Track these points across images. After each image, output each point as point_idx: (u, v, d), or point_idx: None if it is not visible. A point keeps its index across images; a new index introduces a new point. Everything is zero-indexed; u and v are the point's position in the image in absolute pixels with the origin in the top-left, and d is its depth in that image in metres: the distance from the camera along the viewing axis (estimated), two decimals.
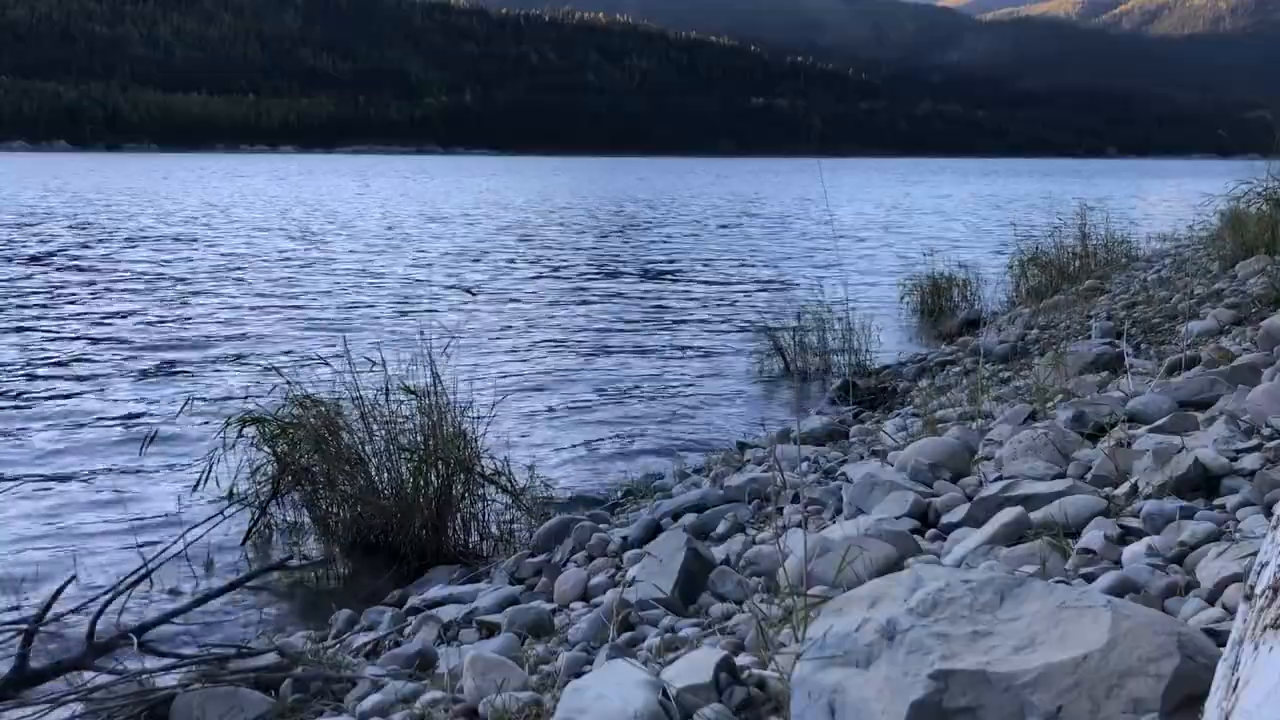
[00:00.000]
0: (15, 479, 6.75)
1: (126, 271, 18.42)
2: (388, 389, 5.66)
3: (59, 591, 3.97)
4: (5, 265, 19.06)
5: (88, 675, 3.59)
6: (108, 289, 16.04)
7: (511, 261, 21.08)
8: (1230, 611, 2.26)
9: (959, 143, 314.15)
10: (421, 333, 6.10)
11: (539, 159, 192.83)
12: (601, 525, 5.02)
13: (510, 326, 12.93)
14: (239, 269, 19.00)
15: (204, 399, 8.42)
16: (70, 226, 28.64)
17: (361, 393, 5.67)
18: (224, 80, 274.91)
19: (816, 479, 4.82)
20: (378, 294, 15.79)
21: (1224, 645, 1.50)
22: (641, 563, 3.90)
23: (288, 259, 20.92)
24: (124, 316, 13.42)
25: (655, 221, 34.25)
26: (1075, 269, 12.51)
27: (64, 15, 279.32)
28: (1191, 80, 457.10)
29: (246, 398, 5.98)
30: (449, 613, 4.14)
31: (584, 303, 15.27)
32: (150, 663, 3.66)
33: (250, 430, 5.71)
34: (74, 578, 4.26)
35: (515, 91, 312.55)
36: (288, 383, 5.78)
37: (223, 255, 21.53)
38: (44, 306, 14.20)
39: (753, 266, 20.33)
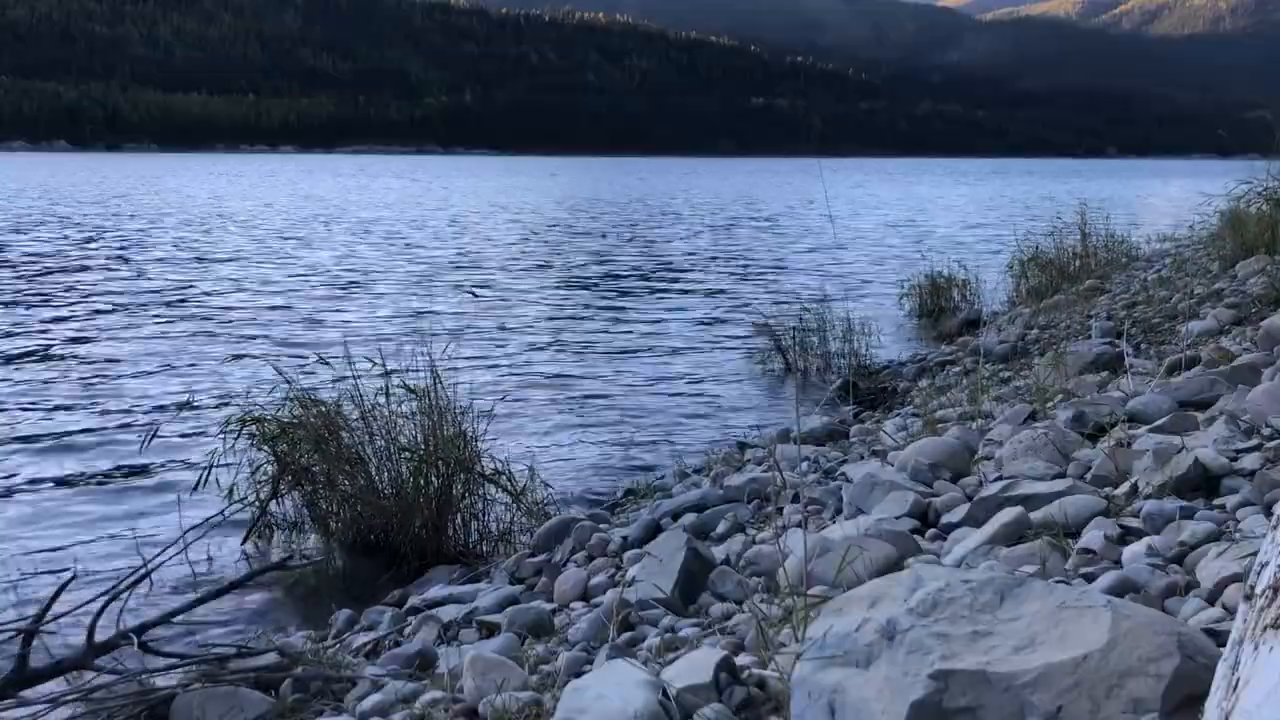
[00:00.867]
0: (15, 479, 6.75)
1: (126, 271, 18.42)
2: (388, 389, 5.66)
3: (59, 591, 3.96)
4: (5, 266, 19.06)
5: (88, 675, 3.58)
6: (107, 289, 16.04)
7: (512, 262, 21.08)
8: (1230, 611, 2.26)
9: (959, 143, 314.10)
10: (422, 333, 6.10)
11: (539, 159, 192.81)
12: (601, 525, 5.02)
13: (510, 327, 12.93)
14: (239, 269, 19.00)
15: (204, 399, 8.42)
16: (69, 227, 28.64)
17: (361, 393, 5.67)
18: (224, 80, 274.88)
19: (816, 479, 4.82)
20: (378, 294, 15.79)
21: (1224, 645, 1.50)
22: (641, 563, 3.90)
23: (288, 259, 20.93)
24: (124, 316, 13.41)
25: (655, 221, 34.25)
26: (1075, 269, 12.50)
27: (64, 15, 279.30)
28: (1191, 80, 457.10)
29: (246, 398, 5.97)
30: (449, 613, 4.14)
31: (584, 303, 15.27)
32: (150, 663, 3.66)
33: (250, 430, 5.71)
34: (74, 578, 4.26)
35: (515, 91, 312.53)
36: (288, 382, 5.78)
37: (222, 255, 21.52)
38: (43, 307, 14.20)
39: (753, 266, 20.33)
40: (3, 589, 4.93)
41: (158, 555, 4.46)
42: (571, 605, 4.02)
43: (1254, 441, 3.45)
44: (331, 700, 3.45)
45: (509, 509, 5.66)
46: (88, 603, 3.97)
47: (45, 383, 9.53)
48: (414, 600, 4.59)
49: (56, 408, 8.62)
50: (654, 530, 4.57)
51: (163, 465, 6.91)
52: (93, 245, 23.28)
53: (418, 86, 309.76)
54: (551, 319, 13.70)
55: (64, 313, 13.68)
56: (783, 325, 10.34)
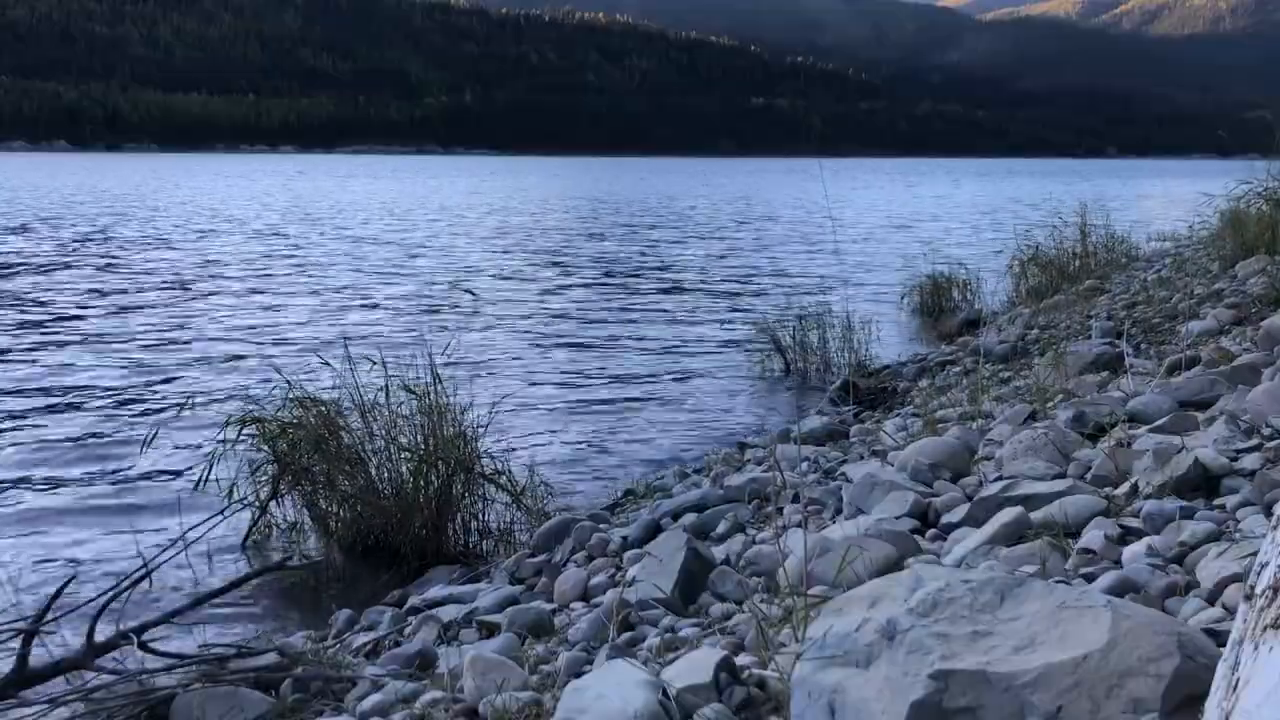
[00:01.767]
0: (15, 479, 6.75)
1: (126, 271, 18.42)
2: (388, 389, 5.66)
3: (59, 591, 3.96)
4: (4, 266, 19.06)
5: (88, 675, 3.58)
6: (107, 288, 16.04)
7: (511, 262, 21.08)
8: (1230, 611, 2.26)
9: (959, 143, 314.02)
10: (422, 333, 6.10)
11: (539, 159, 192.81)
12: (601, 525, 5.02)
13: (510, 327, 12.93)
14: (239, 269, 19.00)
15: (204, 399, 8.42)
16: (69, 227, 28.64)
17: (361, 393, 5.67)
18: (224, 80, 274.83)
19: (816, 479, 4.82)
20: (378, 294, 15.79)
21: (1224, 645, 1.50)
22: (641, 563, 3.90)
23: (288, 259, 20.93)
24: (124, 317, 13.41)
25: (655, 222, 34.24)
26: (1075, 269, 12.50)
27: (64, 15, 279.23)
28: (1191, 80, 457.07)
29: (246, 398, 5.97)
30: (449, 613, 4.14)
31: (584, 303, 15.27)
32: (150, 663, 3.66)
33: (250, 430, 5.71)
34: (74, 578, 4.26)
35: (515, 91, 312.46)
36: (288, 383, 5.78)
37: (222, 255, 21.52)
38: (43, 307, 14.20)
39: (753, 266, 20.33)
40: (3, 589, 4.93)
41: (158, 555, 4.46)
42: (571, 605, 4.02)
43: (1254, 441, 3.45)
44: (331, 700, 3.45)
45: (509, 509, 5.66)
46: (88, 603, 3.98)
47: (44, 383, 9.53)
48: (414, 600, 4.59)
49: (56, 408, 8.62)
50: (654, 530, 4.57)
51: (163, 465, 6.91)
52: (92, 245, 23.28)
53: (418, 86, 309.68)
54: (551, 319, 13.70)
55: (63, 313, 13.68)
56: (783, 325, 10.34)
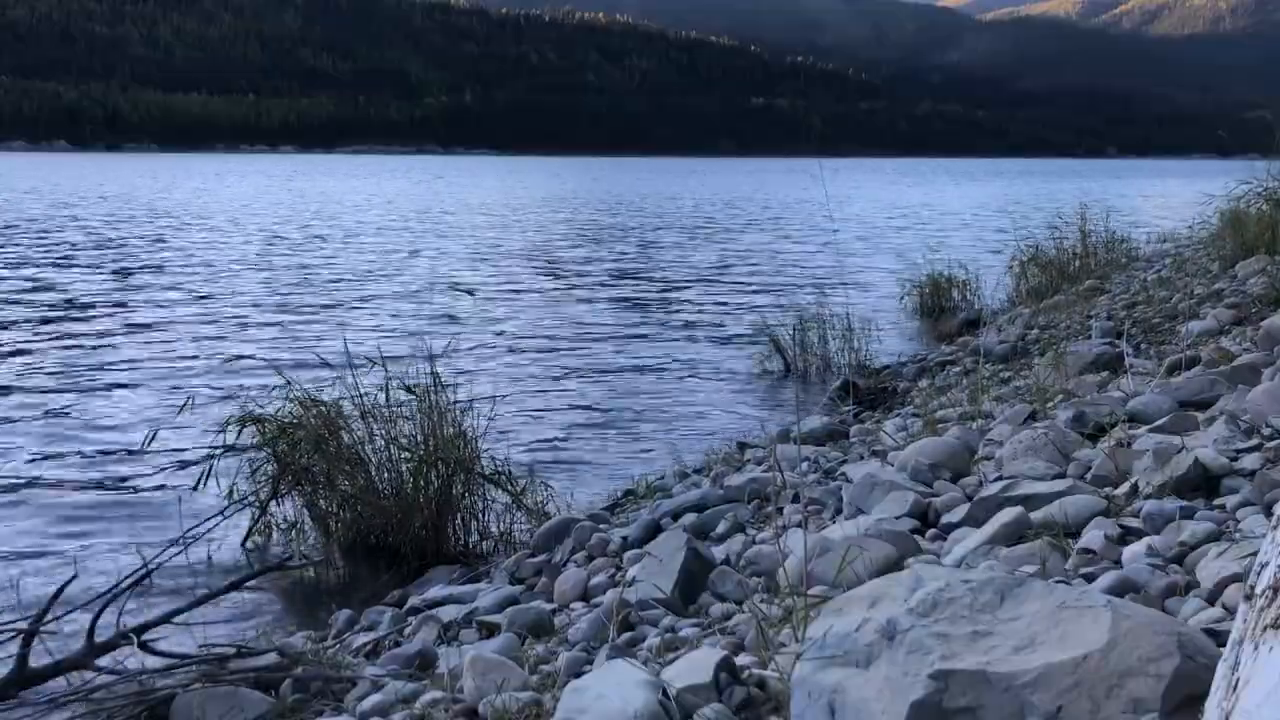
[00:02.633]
0: (15, 479, 6.75)
1: (126, 271, 18.42)
2: (388, 389, 5.66)
3: (59, 591, 3.97)
4: (4, 266, 19.06)
5: (88, 675, 3.59)
6: (107, 288, 16.04)
7: (511, 262, 21.08)
8: (1230, 611, 2.26)
9: (959, 143, 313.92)
10: (422, 333, 6.10)
11: (539, 159, 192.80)
12: (601, 525, 5.01)
13: (510, 327, 12.93)
14: (239, 269, 19.00)
15: (204, 399, 8.42)
16: (68, 227, 28.64)
17: (361, 393, 5.67)
18: (224, 80, 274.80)
19: (816, 479, 4.81)
20: (378, 294, 15.80)
21: (1224, 645, 1.50)
22: (641, 563, 3.90)
23: (287, 259, 20.93)
24: (124, 317, 13.42)
25: (655, 222, 34.24)
26: (1075, 269, 12.50)
27: (64, 15, 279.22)
28: (1191, 80, 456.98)
29: (247, 398, 5.97)
30: (449, 613, 4.14)
31: (584, 303, 15.27)
32: (150, 663, 3.66)
33: (250, 430, 5.71)
34: (74, 578, 4.26)
35: (515, 91, 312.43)
36: (288, 382, 5.78)
37: (222, 255, 21.53)
38: (42, 307, 14.20)
39: (753, 266, 20.33)
40: (3, 589, 4.93)
41: (158, 555, 4.46)
42: (571, 605, 4.02)
43: (1254, 441, 3.45)
44: (331, 700, 3.45)
45: (509, 509, 5.66)
46: (88, 603, 3.98)
47: (44, 383, 9.53)
48: (414, 600, 4.59)
49: (56, 408, 8.62)
50: (654, 530, 4.57)
51: (163, 465, 6.91)
52: (90, 245, 23.27)
53: (418, 86, 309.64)
54: (551, 319, 13.70)
55: (62, 313, 13.68)
56: (782, 325, 10.35)
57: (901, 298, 13.67)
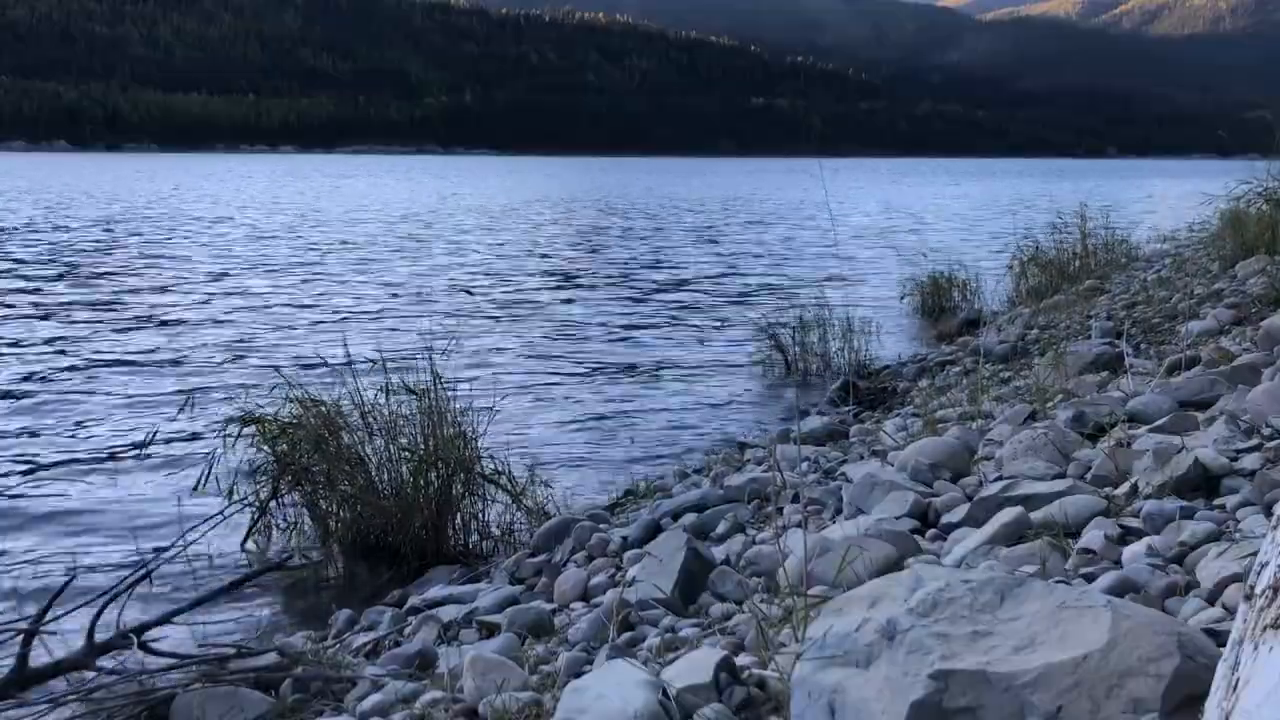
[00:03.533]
0: (16, 479, 6.75)
1: (126, 271, 18.42)
2: (388, 389, 5.66)
3: (59, 591, 3.97)
4: (3, 265, 19.06)
5: (88, 675, 3.59)
6: (107, 288, 16.04)
7: (510, 262, 21.08)
8: (1230, 611, 2.26)
9: (959, 143, 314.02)
10: (422, 333, 6.10)
11: (539, 159, 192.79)
12: (601, 525, 5.01)
13: (510, 327, 12.93)
14: (239, 269, 19.00)
15: (204, 399, 8.42)
16: (67, 227, 28.64)
17: (361, 393, 5.67)
18: (224, 80, 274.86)
19: (816, 479, 4.81)
20: (378, 294, 15.79)
21: (1224, 645, 1.50)
22: (641, 563, 3.90)
23: (287, 259, 20.93)
24: (124, 316, 13.41)
25: (655, 222, 34.25)
26: (1075, 269, 12.50)
27: (64, 15, 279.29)
28: (1191, 80, 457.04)
29: (247, 398, 5.97)
30: (449, 613, 4.14)
31: (584, 302, 15.27)
32: (150, 663, 3.66)
33: (250, 430, 5.71)
34: (74, 578, 4.26)
35: (515, 91, 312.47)
36: (288, 383, 5.78)
37: (222, 256, 21.53)
38: (42, 307, 14.20)
39: (753, 266, 20.33)
40: (3, 589, 4.93)
41: (158, 555, 4.46)
42: (571, 605, 4.02)
43: (1254, 441, 3.44)
44: (331, 700, 3.45)
45: (509, 509, 5.66)
46: (88, 603, 3.98)
47: (44, 383, 9.53)
48: (414, 600, 4.59)
49: (55, 407, 8.62)
50: (654, 530, 4.57)
51: (163, 465, 6.91)
52: (90, 245, 23.28)
53: (418, 86, 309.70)
54: (551, 319, 13.70)
55: (62, 313, 13.68)
56: (783, 325, 10.35)
57: (901, 298, 13.67)
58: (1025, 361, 7.81)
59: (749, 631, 2.91)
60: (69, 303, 14.54)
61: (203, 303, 14.70)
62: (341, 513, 5.62)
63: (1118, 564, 2.76)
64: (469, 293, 15.75)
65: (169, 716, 3.39)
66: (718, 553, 3.98)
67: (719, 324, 13.31)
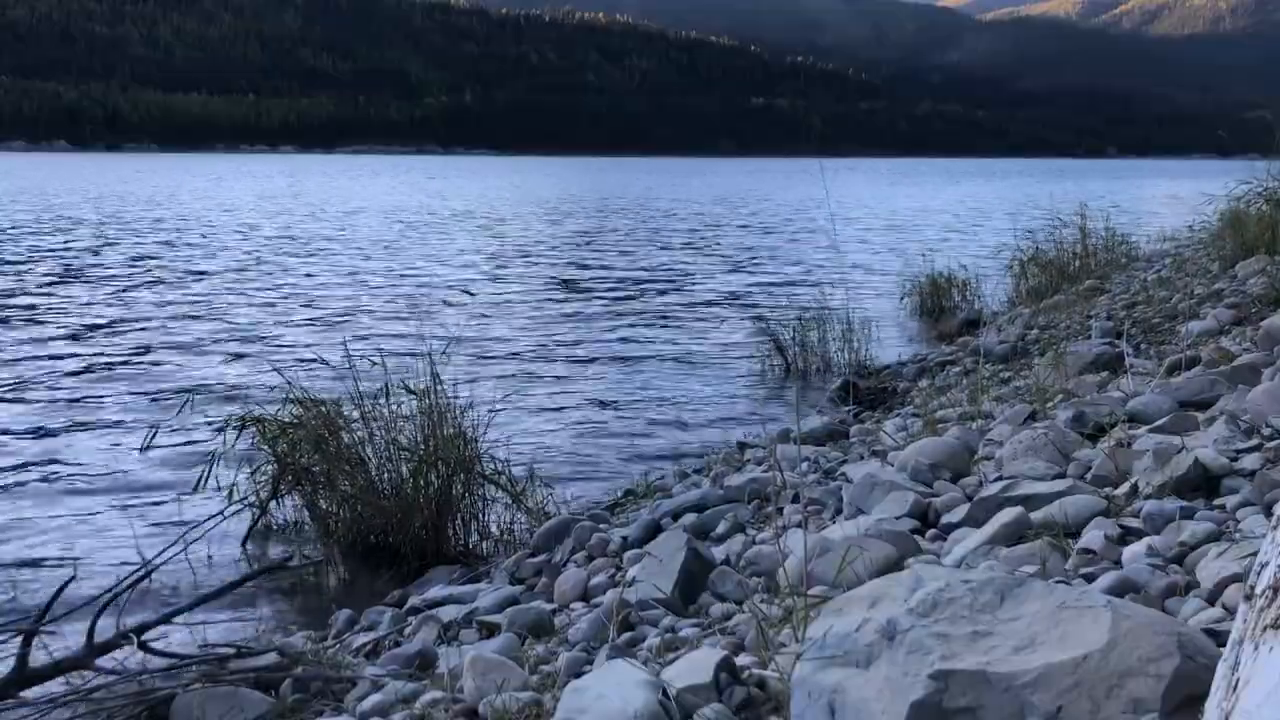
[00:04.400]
0: (16, 479, 6.75)
1: (126, 271, 18.42)
2: (388, 389, 5.66)
3: (59, 591, 3.96)
4: (4, 266, 19.06)
5: (88, 675, 3.58)
6: (107, 289, 16.04)
7: (510, 262, 21.08)
8: (1230, 611, 2.26)
9: (959, 143, 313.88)
10: (422, 333, 6.10)
11: (539, 159, 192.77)
12: (601, 525, 5.01)
13: (510, 327, 12.93)
14: (239, 269, 19.00)
15: (204, 399, 8.42)
16: (66, 227, 28.64)
17: (361, 393, 5.67)
18: (224, 80, 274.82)
19: (816, 479, 4.81)
20: (378, 294, 15.80)
21: (1224, 645, 1.50)
22: (641, 563, 3.90)
23: (287, 260, 20.93)
24: (124, 317, 13.41)
25: (655, 222, 34.24)
26: (1075, 269, 12.50)
27: (64, 15, 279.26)
28: (1191, 80, 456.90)
29: (247, 398, 5.97)
30: (449, 613, 4.14)
31: (584, 303, 15.27)
32: (150, 663, 3.66)
33: (250, 430, 5.71)
34: (74, 578, 4.25)
35: (515, 91, 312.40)
36: (288, 383, 5.78)
37: (222, 256, 21.52)
38: (41, 307, 14.20)
39: (753, 266, 20.33)
40: (3, 589, 4.93)
41: (158, 555, 4.46)
42: (571, 605, 4.02)
43: (1254, 441, 3.44)
44: (331, 700, 3.45)
45: (509, 509, 5.66)
46: (88, 603, 3.97)
47: (43, 383, 9.53)
48: (414, 600, 4.59)
49: (56, 408, 8.62)
50: (654, 530, 4.57)
51: (163, 465, 6.91)
52: (89, 245, 23.27)
53: (418, 86, 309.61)
54: (551, 319, 13.70)
55: (61, 314, 13.68)
56: (783, 325, 10.35)
57: (901, 298, 13.67)
58: (1025, 361, 7.81)
59: (749, 631, 2.91)
60: (68, 303, 14.54)
61: (203, 303, 14.70)
62: (341, 513, 5.62)
63: (1118, 564, 2.76)
64: (469, 293, 15.74)
65: (169, 716, 3.39)
66: (718, 553, 3.99)
67: (719, 324, 13.31)
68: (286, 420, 5.68)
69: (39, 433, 7.85)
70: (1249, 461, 3.25)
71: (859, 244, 24.64)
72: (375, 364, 5.66)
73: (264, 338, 11.91)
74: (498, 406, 6.03)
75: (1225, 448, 3.38)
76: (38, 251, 21.61)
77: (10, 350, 11.02)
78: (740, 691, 2.37)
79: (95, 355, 10.82)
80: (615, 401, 9.04)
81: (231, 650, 3.81)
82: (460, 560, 5.28)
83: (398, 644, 3.99)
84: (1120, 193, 51.71)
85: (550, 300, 15.55)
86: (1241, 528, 2.80)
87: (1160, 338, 7.04)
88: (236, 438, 5.69)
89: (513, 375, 9.93)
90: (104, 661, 3.64)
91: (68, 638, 3.88)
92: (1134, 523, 3.03)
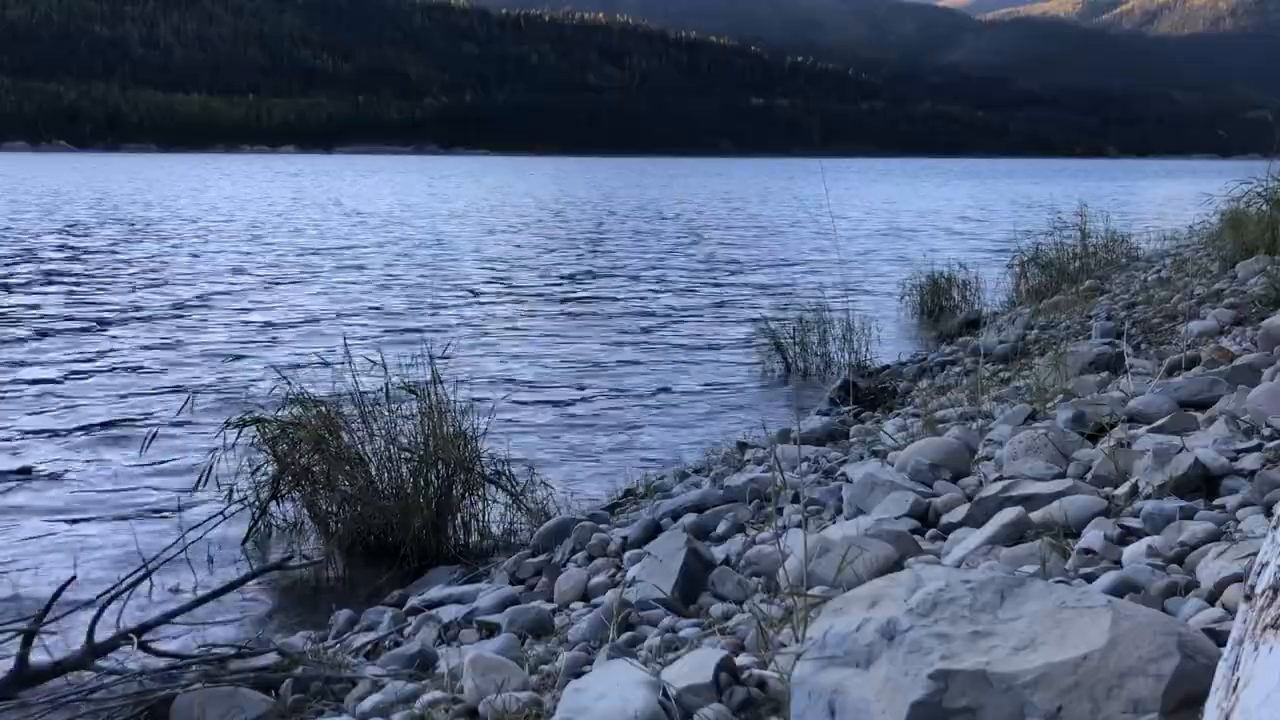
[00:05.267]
0: (16, 480, 6.75)
1: (126, 271, 18.42)
2: (388, 389, 5.66)
3: (59, 591, 3.97)
4: (2, 265, 19.06)
5: (88, 675, 3.59)
6: (107, 289, 16.04)
7: (511, 262, 21.08)
8: (1230, 611, 2.26)
9: (959, 143, 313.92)
10: (422, 333, 6.10)
11: (539, 159, 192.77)
12: (601, 525, 5.01)
13: (510, 327, 12.93)
14: (238, 269, 19.00)
15: (204, 399, 8.41)
16: (66, 227, 28.64)
17: (361, 393, 5.67)
18: (224, 80, 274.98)
19: (816, 479, 4.81)
20: (377, 294, 15.79)
21: (1224, 645, 1.50)
22: (641, 563, 3.90)
23: (287, 260, 20.92)
24: (124, 317, 13.41)
25: (655, 222, 34.24)
26: (1075, 269, 12.50)
27: (64, 15, 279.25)
28: (1191, 80, 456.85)
29: (247, 398, 5.97)
30: (449, 613, 4.14)
31: (584, 303, 15.27)
32: (150, 663, 3.66)
33: (250, 430, 5.71)
34: (74, 578, 4.26)
35: (515, 91, 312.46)
36: (288, 383, 5.78)
37: (222, 255, 21.52)
38: (41, 307, 14.20)
39: (753, 267, 20.33)
40: (3, 589, 4.93)
41: (158, 555, 4.46)
42: (571, 605, 4.02)
43: (1254, 441, 3.44)
44: (331, 700, 3.45)
45: (509, 509, 5.66)
46: (88, 603, 3.98)
47: (45, 383, 9.53)
48: (414, 600, 4.59)
49: (56, 408, 8.61)
50: (654, 530, 4.57)
51: (163, 465, 6.91)
52: (89, 245, 23.27)
53: (417, 86, 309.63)
54: (551, 319, 13.70)
55: (61, 314, 13.67)
56: (783, 325, 10.34)
57: (901, 298, 13.67)
58: (1025, 361, 7.81)
59: (749, 631, 2.91)
60: (68, 303, 14.54)
61: (203, 303, 14.70)
62: (341, 513, 5.62)
63: (1118, 564, 2.76)
64: (470, 293, 15.74)
65: (169, 716, 3.39)
66: (718, 553, 3.98)
67: (719, 324, 13.31)
68: (286, 420, 5.68)
69: (39, 433, 7.85)
70: (1249, 461, 3.25)
71: (859, 244, 24.64)
72: (375, 364, 5.67)
73: (264, 338, 11.91)
74: (497, 406, 6.03)
75: (1225, 448, 3.38)
76: (38, 251, 21.61)
77: (10, 350, 11.02)
78: (740, 691, 2.37)
79: (95, 355, 10.82)
80: (615, 401, 9.04)
81: (231, 650, 3.82)
82: (460, 560, 5.28)
83: (398, 644, 3.99)
84: (1120, 193, 51.73)
85: (551, 300, 15.55)
86: (1241, 528, 2.80)
87: (1160, 338, 7.04)
88: (236, 438, 5.69)
89: (512, 375, 9.94)
90: (104, 661, 3.64)
91: (68, 638, 3.88)
92: (1134, 523, 3.02)
